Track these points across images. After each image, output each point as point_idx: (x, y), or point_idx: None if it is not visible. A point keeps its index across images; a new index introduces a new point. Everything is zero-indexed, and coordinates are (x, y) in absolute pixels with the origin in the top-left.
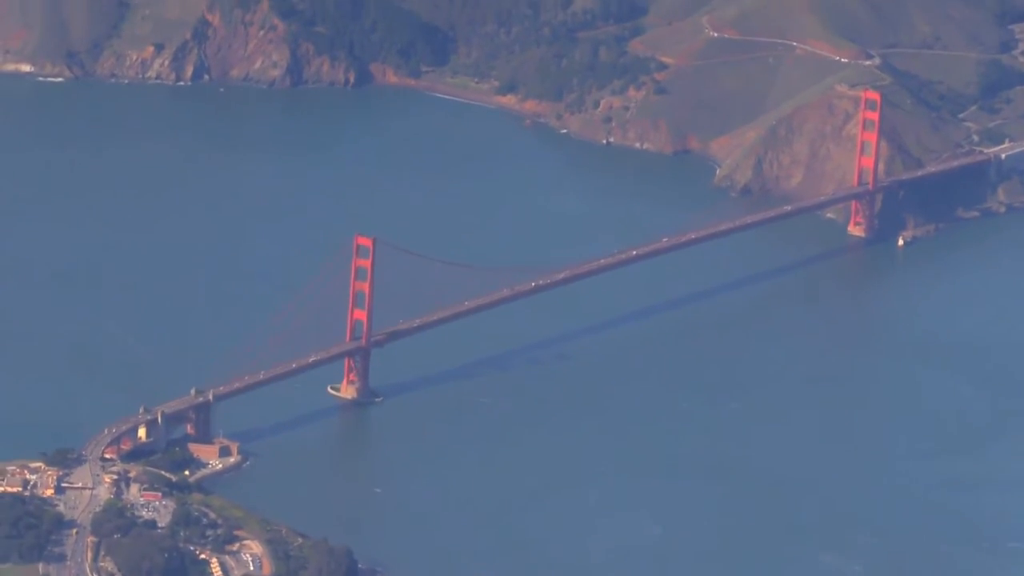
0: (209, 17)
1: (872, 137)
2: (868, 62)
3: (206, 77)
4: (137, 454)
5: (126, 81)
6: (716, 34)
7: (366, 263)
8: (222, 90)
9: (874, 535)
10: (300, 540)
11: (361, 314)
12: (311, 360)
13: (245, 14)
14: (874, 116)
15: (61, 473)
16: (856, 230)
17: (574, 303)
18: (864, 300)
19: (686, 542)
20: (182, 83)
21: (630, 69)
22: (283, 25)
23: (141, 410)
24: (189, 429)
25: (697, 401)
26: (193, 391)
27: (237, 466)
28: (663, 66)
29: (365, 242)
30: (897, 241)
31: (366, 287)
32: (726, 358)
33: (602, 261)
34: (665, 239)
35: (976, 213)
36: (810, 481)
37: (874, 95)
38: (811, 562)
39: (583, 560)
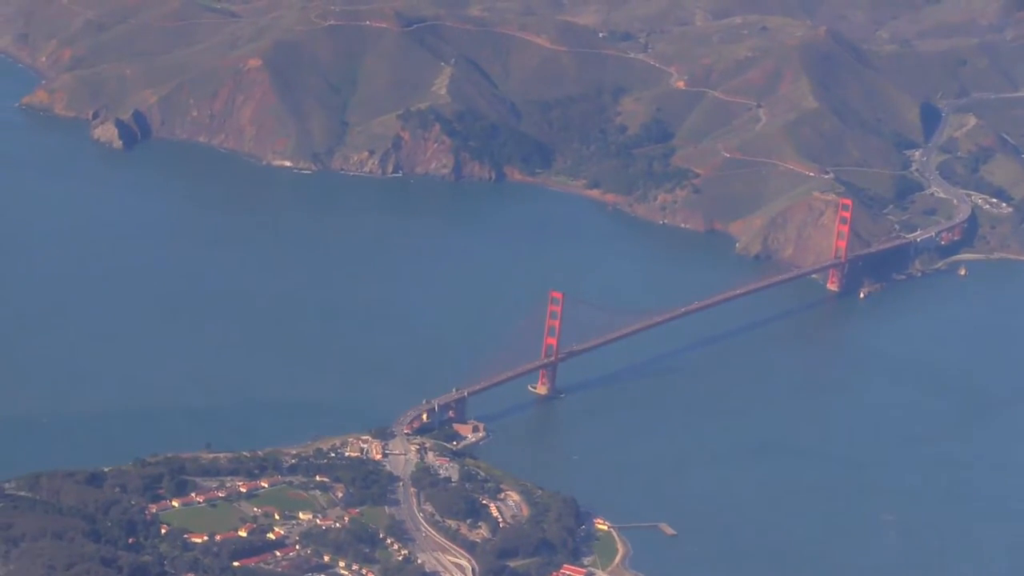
0: (402, 134)
1: (845, 228)
2: (826, 176)
3: (400, 172)
4: (422, 431)
5: (351, 173)
6: (728, 155)
7: (557, 308)
8: (412, 182)
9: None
10: (540, 491)
11: (552, 340)
12: (521, 370)
13: (425, 132)
14: (847, 214)
15: (383, 444)
16: (832, 286)
17: (666, 334)
18: (840, 333)
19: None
20: (385, 176)
21: (675, 176)
22: (449, 140)
23: (424, 401)
24: (450, 414)
25: (763, 401)
26: (454, 389)
27: (483, 439)
28: (696, 174)
29: (557, 295)
30: (859, 294)
31: (556, 323)
32: (762, 371)
33: (682, 309)
34: (717, 295)
35: (904, 276)
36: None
37: (848, 200)
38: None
39: (728, 500)
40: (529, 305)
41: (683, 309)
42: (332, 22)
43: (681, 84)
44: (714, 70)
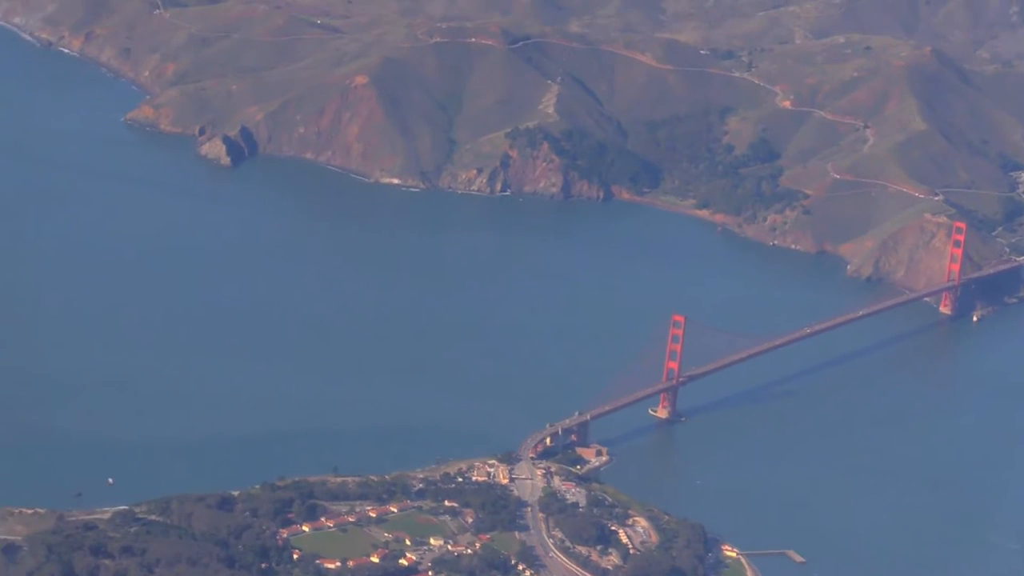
0: (510, 152)
1: (958, 251)
2: (936, 198)
3: (508, 191)
4: (545, 455)
5: (459, 192)
6: (838, 176)
7: (679, 331)
8: (520, 200)
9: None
10: (667, 517)
11: (673, 364)
12: (643, 393)
13: (533, 151)
14: (961, 237)
15: (509, 468)
16: (945, 310)
17: (780, 357)
18: (956, 356)
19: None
20: (494, 194)
21: (784, 196)
22: (558, 159)
23: (547, 425)
24: (573, 437)
25: (881, 424)
26: (576, 413)
27: (606, 463)
28: (806, 195)
29: (679, 318)
30: (972, 317)
31: (678, 347)
32: (879, 394)
33: (802, 332)
34: (836, 318)
35: (1016, 299)
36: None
37: (962, 224)
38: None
39: (854, 527)
40: (643, 327)
41: (803, 332)
42: (438, 39)
43: (787, 104)
44: (820, 90)
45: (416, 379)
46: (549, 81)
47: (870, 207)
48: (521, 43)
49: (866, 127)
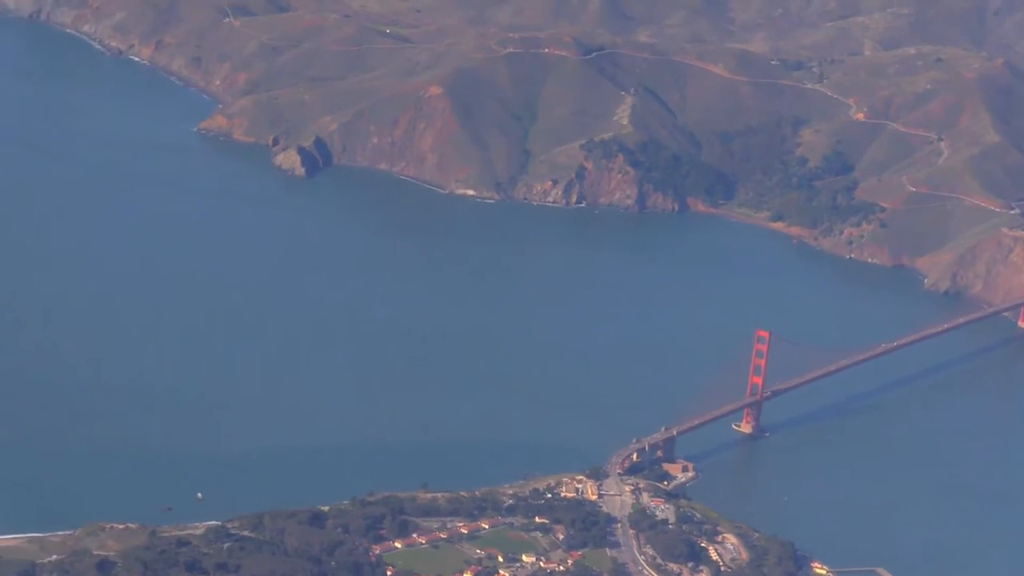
0: (585, 164)
1: None
2: (1012, 211)
3: (584, 203)
4: (632, 470)
5: (534, 203)
6: (913, 189)
7: (763, 347)
8: (596, 212)
9: None
10: (756, 534)
11: (758, 379)
12: (728, 408)
13: (609, 162)
14: None
15: (597, 484)
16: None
17: (860, 371)
18: None
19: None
20: (569, 206)
21: (860, 209)
22: (632, 171)
23: (634, 440)
24: (659, 453)
25: (964, 440)
26: (663, 428)
27: (692, 479)
28: (882, 208)
29: (763, 333)
30: None
31: (763, 362)
32: (961, 409)
33: (885, 346)
34: (916, 333)
35: None
36: None
37: None
38: None
39: (941, 544)
40: (723, 341)
41: (885, 347)
42: (511, 49)
43: (860, 116)
44: (893, 102)
45: (498, 393)
46: (622, 92)
47: (946, 220)
48: (594, 53)
49: (939, 140)
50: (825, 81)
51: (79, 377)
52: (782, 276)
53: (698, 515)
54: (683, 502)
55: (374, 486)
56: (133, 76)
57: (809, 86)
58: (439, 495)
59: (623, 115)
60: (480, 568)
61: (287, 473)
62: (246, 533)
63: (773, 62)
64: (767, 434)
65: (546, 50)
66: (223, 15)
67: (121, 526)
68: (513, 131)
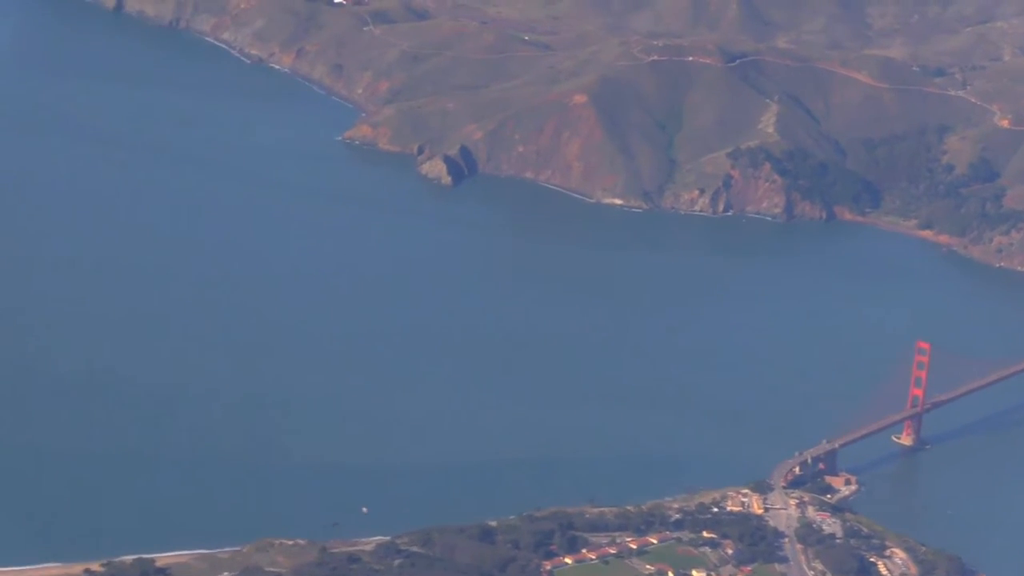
0: (732, 173)
1: None
2: None
3: (731, 211)
4: (795, 484)
5: (682, 212)
6: None
7: (924, 359)
8: (743, 221)
9: None
10: (923, 548)
11: (918, 391)
12: (889, 420)
13: (756, 171)
14: None
15: (763, 498)
16: None
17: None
18: None
19: None
20: (716, 215)
21: (1009, 217)
22: (780, 179)
23: (796, 454)
24: (821, 466)
25: None
26: (824, 441)
27: (855, 492)
28: None
29: (924, 345)
30: None
31: (923, 375)
32: None
33: None
34: None
35: None
36: None
37: None
38: None
39: None
40: (879, 351)
41: None
42: (655, 57)
43: (1005, 123)
44: None
45: (656, 405)
46: (767, 100)
47: None
48: (738, 61)
49: None
50: (968, 87)
51: (232, 390)
52: (933, 285)
53: (864, 529)
54: (849, 516)
55: (539, 500)
56: (274, 84)
57: (952, 93)
58: (606, 510)
59: (768, 123)
60: None
61: (449, 487)
62: (416, 549)
63: (914, 68)
64: (928, 446)
65: (690, 58)
66: (363, 23)
67: (290, 542)
68: (658, 139)
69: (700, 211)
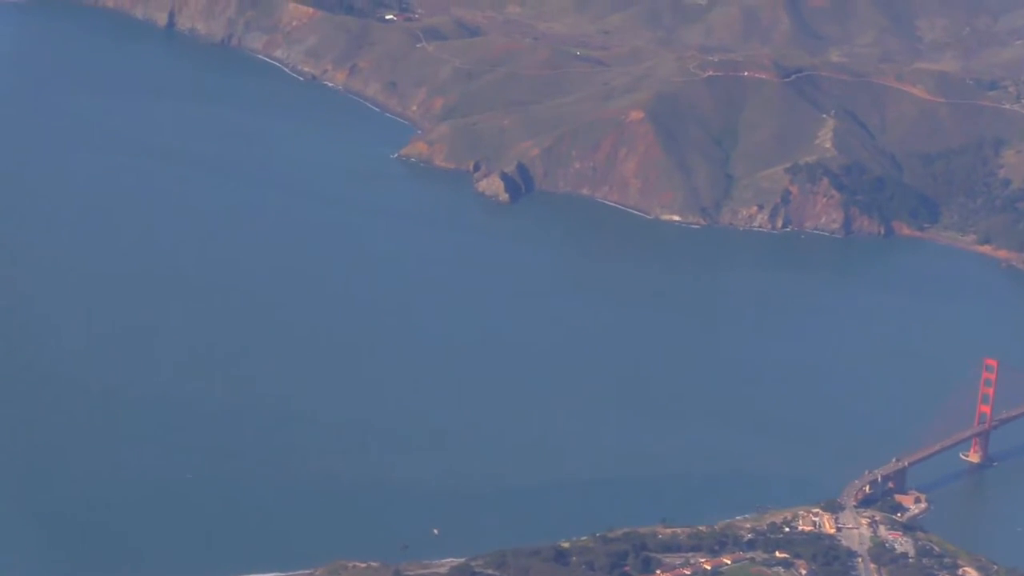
0: (791, 188)
1: None
2: None
3: (790, 227)
4: (865, 502)
5: (740, 228)
6: None
7: (991, 376)
8: (802, 236)
9: None
10: (996, 567)
11: (985, 408)
12: (958, 438)
13: (814, 186)
14: None
15: (834, 517)
16: None
17: None
18: None
19: None
20: (775, 231)
21: None
22: (838, 195)
23: (866, 472)
24: (890, 485)
25: None
26: (894, 459)
27: (925, 511)
28: None
29: (991, 362)
30: None
31: (991, 391)
32: None
33: None
34: None
35: None
36: None
37: None
38: None
39: None
40: (942, 368)
41: None
42: (711, 73)
43: None
44: None
45: (719, 423)
46: (823, 115)
47: None
48: (793, 76)
49: None
50: (1022, 101)
51: (302, 409)
52: (994, 300)
53: (936, 548)
54: (920, 534)
55: (610, 521)
56: (327, 101)
57: (1008, 106)
58: (679, 530)
59: (825, 138)
60: None
61: (519, 507)
62: (490, 572)
63: (968, 82)
64: (995, 463)
65: (746, 73)
66: (416, 39)
67: (363, 564)
68: (715, 155)
69: (759, 227)
